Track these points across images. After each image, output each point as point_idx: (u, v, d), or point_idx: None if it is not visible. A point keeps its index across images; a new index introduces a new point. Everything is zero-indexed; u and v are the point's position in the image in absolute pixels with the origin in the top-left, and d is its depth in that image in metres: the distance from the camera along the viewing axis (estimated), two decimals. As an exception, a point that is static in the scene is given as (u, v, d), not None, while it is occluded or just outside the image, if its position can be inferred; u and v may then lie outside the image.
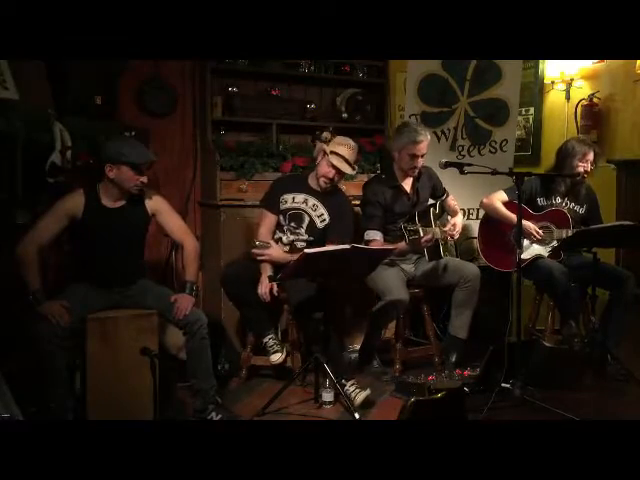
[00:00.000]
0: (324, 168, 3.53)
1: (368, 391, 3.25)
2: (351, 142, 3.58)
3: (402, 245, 3.52)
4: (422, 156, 3.66)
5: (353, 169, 3.59)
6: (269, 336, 3.56)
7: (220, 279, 3.60)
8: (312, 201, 3.64)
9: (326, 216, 3.64)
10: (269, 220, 3.64)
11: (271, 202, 3.65)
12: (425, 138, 3.60)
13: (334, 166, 3.49)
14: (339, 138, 3.58)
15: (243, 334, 3.87)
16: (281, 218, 3.65)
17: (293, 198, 3.65)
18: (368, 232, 3.65)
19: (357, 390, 3.25)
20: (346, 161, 3.51)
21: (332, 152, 3.49)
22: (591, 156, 3.76)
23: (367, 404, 3.24)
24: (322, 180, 3.56)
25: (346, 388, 3.26)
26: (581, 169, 3.74)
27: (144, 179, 3.02)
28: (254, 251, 3.52)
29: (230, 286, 3.55)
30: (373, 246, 3.56)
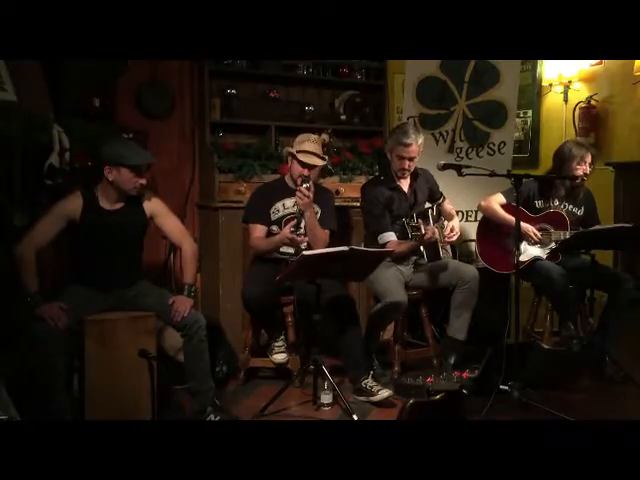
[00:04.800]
0: (297, 169, 3.55)
1: (391, 392, 3.29)
2: (312, 135, 3.64)
3: (409, 244, 3.50)
4: (411, 159, 3.64)
5: (323, 160, 3.62)
6: (281, 338, 3.65)
7: (243, 301, 3.49)
8: None
9: (318, 209, 3.65)
10: (261, 229, 3.61)
11: (260, 215, 3.61)
12: (414, 142, 3.58)
13: (305, 163, 3.51)
14: (300, 136, 3.64)
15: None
16: (275, 228, 3.62)
17: (283, 205, 3.65)
18: (382, 235, 3.62)
19: (378, 386, 3.30)
20: (314, 154, 3.54)
21: (298, 151, 3.53)
22: (589, 158, 3.76)
23: (386, 403, 3.28)
24: (299, 180, 3.54)
25: (366, 381, 3.32)
26: (580, 172, 3.73)
27: (143, 181, 3.02)
28: (301, 189, 3.42)
29: (255, 307, 3.49)
30: (390, 247, 3.55)
